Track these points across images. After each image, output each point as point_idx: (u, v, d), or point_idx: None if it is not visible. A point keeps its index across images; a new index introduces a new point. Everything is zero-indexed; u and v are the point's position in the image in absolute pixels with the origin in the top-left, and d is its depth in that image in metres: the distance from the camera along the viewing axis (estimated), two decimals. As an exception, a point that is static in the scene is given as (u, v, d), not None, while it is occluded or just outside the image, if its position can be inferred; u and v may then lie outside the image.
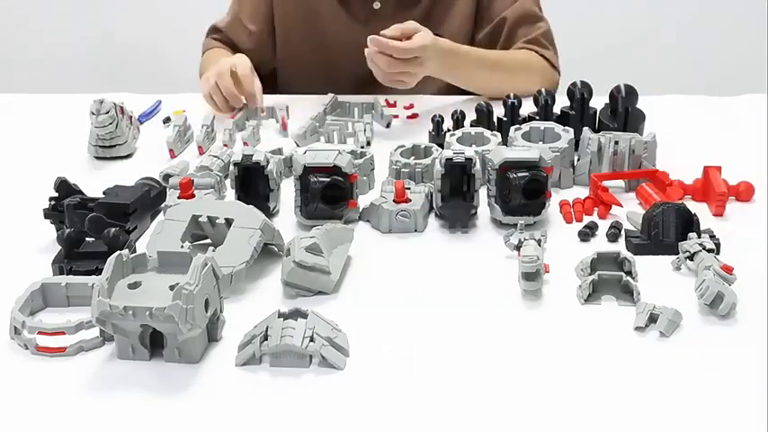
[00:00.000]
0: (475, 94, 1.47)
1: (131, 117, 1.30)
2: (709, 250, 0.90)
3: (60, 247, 0.95)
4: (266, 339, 0.79)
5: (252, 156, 1.06)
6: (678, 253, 0.93)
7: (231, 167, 1.06)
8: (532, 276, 0.88)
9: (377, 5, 1.51)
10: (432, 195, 1.06)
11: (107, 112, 1.23)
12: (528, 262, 0.88)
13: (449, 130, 1.22)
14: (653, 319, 0.83)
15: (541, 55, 1.52)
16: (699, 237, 0.93)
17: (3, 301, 0.87)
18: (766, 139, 1.26)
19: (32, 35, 2.89)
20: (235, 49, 1.58)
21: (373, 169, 1.17)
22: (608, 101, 1.24)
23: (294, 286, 0.90)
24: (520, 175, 1.00)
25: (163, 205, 1.06)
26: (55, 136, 1.38)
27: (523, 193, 1.01)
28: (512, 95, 1.26)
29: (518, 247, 0.92)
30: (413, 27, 1.33)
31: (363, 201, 1.08)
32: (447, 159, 1.02)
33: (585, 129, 1.17)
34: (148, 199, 1.05)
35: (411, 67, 1.33)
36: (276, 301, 0.90)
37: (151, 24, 2.43)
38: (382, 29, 1.33)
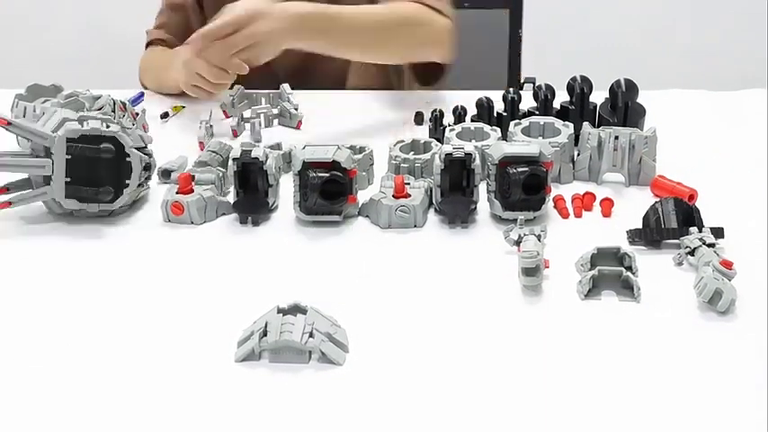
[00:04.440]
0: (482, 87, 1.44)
1: (137, 115, 1.25)
2: (710, 245, 0.90)
3: None
4: (265, 335, 0.79)
5: (251, 151, 1.06)
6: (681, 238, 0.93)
7: (230, 163, 1.06)
8: (532, 272, 0.88)
9: None
10: (431, 191, 1.06)
11: (99, 109, 1.16)
12: (528, 257, 0.88)
13: (449, 125, 1.22)
14: (719, 293, 0.83)
15: (420, 2, 1.36)
16: (700, 230, 0.93)
17: None
18: (767, 135, 1.26)
19: (27, 31, 2.89)
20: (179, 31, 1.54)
21: (372, 164, 1.17)
22: (608, 96, 1.24)
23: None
24: (519, 170, 1.00)
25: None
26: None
27: (523, 189, 1.00)
28: (511, 90, 1.26)
29: (518, 243, 0.92)
30: (234, 19, 1.20)
31: (363, 196, 1.07)
32: (447, 155, 1.02)
33: (585, 124, 1.16)
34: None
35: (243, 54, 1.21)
36: (275, 297, 0.89)
37: (144, 19, 2.43)
38: None
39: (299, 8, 1.24)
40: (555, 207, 1.07)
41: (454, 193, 1.04)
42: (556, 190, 1.10)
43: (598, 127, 1.17)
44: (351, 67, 1.55)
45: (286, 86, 1.39)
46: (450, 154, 1.02)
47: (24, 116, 1.24)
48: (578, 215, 1.06)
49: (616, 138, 1.12)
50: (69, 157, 1.02)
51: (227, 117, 1.35)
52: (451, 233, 1.03)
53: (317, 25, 1.26)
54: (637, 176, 1.13)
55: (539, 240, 0.91)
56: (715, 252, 0.89)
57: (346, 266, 0.96)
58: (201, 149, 1.25)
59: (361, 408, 0.73)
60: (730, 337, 0.81)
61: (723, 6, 2.66)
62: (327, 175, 1.01)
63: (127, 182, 1.05)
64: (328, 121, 1.40)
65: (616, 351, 0.80)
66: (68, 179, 1.03)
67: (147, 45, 1.64)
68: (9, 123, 1.02)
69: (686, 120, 1.37)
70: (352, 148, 1.13)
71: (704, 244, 0.90)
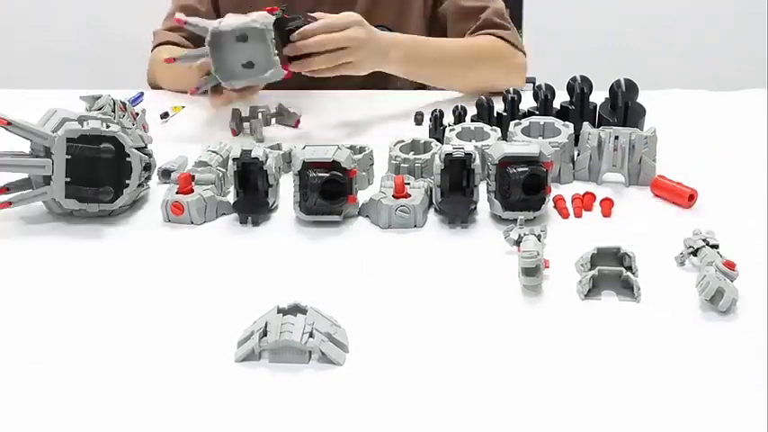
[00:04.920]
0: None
1: (137, 115, 1.23)
2: (713, 246, 0.90)
3: None
4: (265, 335, 0.79)
5: (250, 151, 1.06)
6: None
7: (230, 163, 1.06)
8: (532, 272, 0.88)
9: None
10: (431, 190, 1.06)
11: (99, 109, 1.15)
12: (528, 257, 0.88)
13: (449, 125, 1.22)
14: (720, 292, 0.83)
15: (500, 37, 1.46)
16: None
17: None
18: (767, 135, 1.26)
19: (27, 31, 2.89)
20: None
21: (372, 164, 1.17)
22: (608, 96, 1.24)
23: None
24: (519, 170, 1.00)
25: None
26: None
27: (523, 189, 1.00)
28: (511, 90, 1.26)
29: (518, 243, 0.92)
30: (344, 22, 1.28)
31: (363, 196, 1.07)
32: (447, 154, 1.02)
33: (585, 124, 1.16)
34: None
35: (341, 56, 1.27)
36: (275, 297, 0.89)
37: (144, 19, 2.43)
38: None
39: (392, 35, 1.35)
40: (555, 207, 1.07)
41: (454, 193, 1.04)
42: (556, 190, 1.10)
43: (598, 127, 1.17)
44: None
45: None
46: (451, 154, 1.02)
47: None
48: (578, 215, 1.06)
49: (616, 138, 1.12)
50: (69, 157, 1.02)
51: (235, 135, 1.35)
52: (451, 233, 1.03)
53: (407, 52, 1.37)
54: (637, 176, 1.13)
55: (539, 240, 0.91)
56: (718, 253, 0.89)
57: (346, 266, 0.96)
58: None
59: (361, 408, 0.73)
60: (730, 337, 0.81)
61: (723, 6, 2.66)
62: (327, 175, 1.01)
63: (127, 182, 1.05)
64: (328, 121, 1.40)
65: (616, 351, 0.80)
66: (68, 179, 1.03)
67: (157, 46, 1.62)
68: (9, 123, 1.02)
69: (686, 120, 1.37)
70: (352, 148, 1.13)
71: (707, 245, 0.91)
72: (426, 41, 1.43)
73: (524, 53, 1.50)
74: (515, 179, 1.00)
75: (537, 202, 1.02)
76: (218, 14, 1.58)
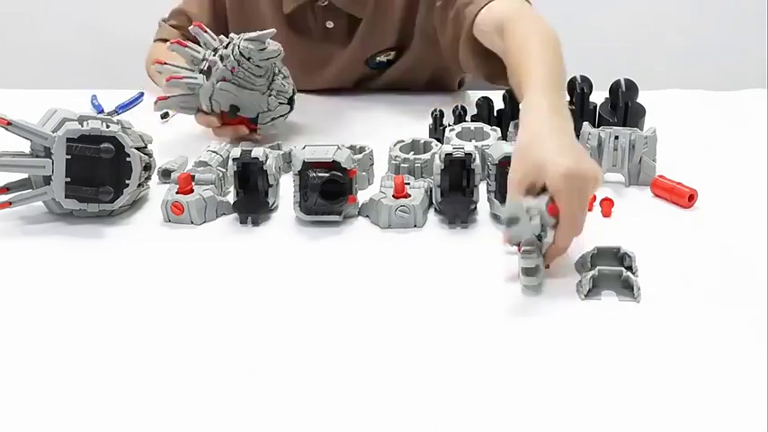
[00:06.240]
0: (483, 87, 1.42)
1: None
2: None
3: None
4: None
5: (250, 151, 1.06)
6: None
7: (230, 163, 1.06)
8: (532, 272, 0.88)
9: (329, 25, 1.48)
10: (431, 190, 1.06)
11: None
12: (528, 257, 0.88)
13: (449, 125, 1.22)
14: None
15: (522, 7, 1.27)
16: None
17: None
18: (767, 135, 1.26)
19: (27, 31, 2.89)
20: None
21: (372, 164, 1.17)
22: (608, 95, 1.24)
23: None
24: None
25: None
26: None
27: None
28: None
29: (518, 243, 0.92)
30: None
31: (363, 196, 1.07)
32: (447, 155, 1.02)
33: (585, 123, 1.16)
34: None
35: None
36: (275, 297, 0.90)
37: (144, 19, 2.44)
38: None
39: (561, 119, 0.98)
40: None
41: (454, 193, 1.04)
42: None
43: (598, 127, 1.17)
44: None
45: None
46: (451, 154, 1.02)
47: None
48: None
49: (616, 138, 1.12)
50: (69, 157, 1.02)
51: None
52: (451, 233, 1.03)
53: (554, 101, 1.02)
54: (637, 176, 1.13)
55: (539, 240, 0.91)
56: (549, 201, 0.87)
57: (346, 266, 0.96)
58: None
59: (361, 408, 0.73)
60: (730, 337, 0.81)
61: (723, 6, 2.66)
62: (327, 175, 1.01)
63: (127, 182, 1.05)
64: (328, 121, 1.40)
65: (616, 351, 0.80)
66: (68, 179, 1.03)
67: (157, 41, 1.61)
68: (9, 123, 1.02)
69: (686, 120, 1.37)
70: (352, 148, 1.13)
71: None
72: (544, 76, 1.06)
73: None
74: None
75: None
76: (222, 13, 1.58)
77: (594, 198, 1.07)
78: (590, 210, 1.06)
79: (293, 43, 1.43)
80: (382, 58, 1.50)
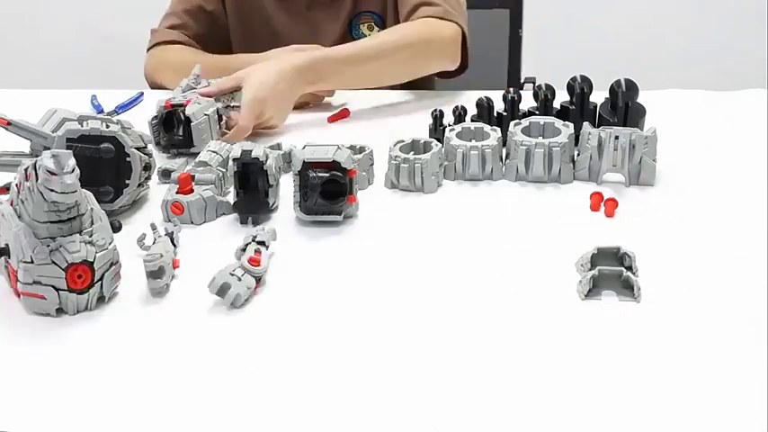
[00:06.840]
0: (483, 87, 1.45)
1: None
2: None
3: None
4: None
5: (251, 151, 1.06)
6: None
7: (230, 163, 1.06)
8: (157, 274, 0.89)
9: None
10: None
11: (72, 171, 0.82)
12: (151, 260, 0.89)
13: (449, 125, 1.22)
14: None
15: (429, 16, 1.40)
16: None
17: None
18: (766, 135, 1.26)
19: (26, 31, 2.89)
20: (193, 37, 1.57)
21: (372, 164, 1.17)
22: (608, 95, 1.24)
23: None
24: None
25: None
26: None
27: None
28: (512, 90, 1.26)
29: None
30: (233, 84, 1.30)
31: (363, 196, 1.07)
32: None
33: (586, 123, 1.16)
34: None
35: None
36: (275, 297, 0.89)
37: (144, 19, 2.45)
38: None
39: (295, 61, 1.31)
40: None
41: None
42: (556, 190, 1.10)
43: (598, 127, 1.17)
44: None
45: None
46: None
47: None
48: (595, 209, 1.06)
49: (616, 138, 1.12)
50: None
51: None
52: (449, 234, 1.03)
53: (319, 70, 1.32)
54: (637, 176, 1.13)
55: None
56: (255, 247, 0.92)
57: (346, 266, 0.96)
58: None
59: (361, 408, 0.73)
60: (730, 337, 0.81)
61: (722, 6, 2.66)
62: (327, 175, 1.01)
63: (127, 182, 1.05)
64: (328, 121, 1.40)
65: (616, 351, 0.79)
66: None
67: (157, 44, 1.62)
68: (9, 123, 1.02)
69: (686, 120, 1.37)
70: (352, 148, 1.13)
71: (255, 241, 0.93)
72: (339, 49, 1.36)
73: (458, 23, 1.42)
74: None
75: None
76: (225, 15, 1.60)
77: (602, 198, 1.07)
78: (597, 210, 1.06)
79: (287, 17, 1.49)
80: (366, 31, 1.50)
